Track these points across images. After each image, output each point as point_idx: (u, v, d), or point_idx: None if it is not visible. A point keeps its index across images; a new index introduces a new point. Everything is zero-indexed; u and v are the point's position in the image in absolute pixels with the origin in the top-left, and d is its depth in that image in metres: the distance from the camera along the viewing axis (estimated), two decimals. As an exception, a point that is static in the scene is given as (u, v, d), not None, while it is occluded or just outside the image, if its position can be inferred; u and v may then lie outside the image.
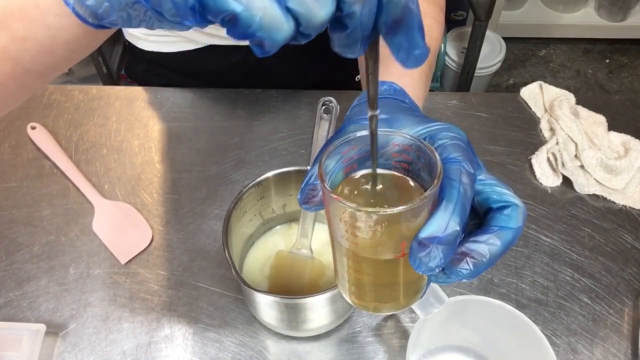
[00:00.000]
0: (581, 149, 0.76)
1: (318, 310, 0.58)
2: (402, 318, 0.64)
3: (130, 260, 0.68)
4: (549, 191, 0.75)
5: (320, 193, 0.38)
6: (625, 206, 0.74)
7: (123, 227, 0.71)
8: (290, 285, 0.62)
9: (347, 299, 0.41)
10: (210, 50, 0.84)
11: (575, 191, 0.75)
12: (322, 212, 0.48)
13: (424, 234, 0.32)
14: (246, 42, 0.27)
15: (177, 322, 0.64)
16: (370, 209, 0.32)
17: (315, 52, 0.89)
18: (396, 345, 0.62)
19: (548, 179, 0.76)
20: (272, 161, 0.77)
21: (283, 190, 0.63)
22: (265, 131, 0.81)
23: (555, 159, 0.76)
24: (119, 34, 0.92)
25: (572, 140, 0.77)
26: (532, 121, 0.84)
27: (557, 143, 0.77)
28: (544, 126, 0.82)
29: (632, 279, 0.67)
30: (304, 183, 0.38)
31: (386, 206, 0.33)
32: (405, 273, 0.36)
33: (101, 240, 0.70)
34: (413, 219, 0.34)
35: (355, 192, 0.38)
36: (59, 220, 0.72)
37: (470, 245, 0.35)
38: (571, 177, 0.75)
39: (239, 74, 0.89)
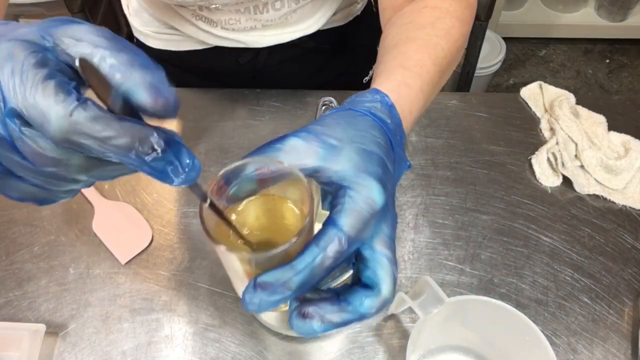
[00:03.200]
0: (581, 149, 0.76)
1: (318, 310, 0.58)
2: (402, 318, 0.64)
3: (130, 260, 0.68)
4: (549, 191, 0.75)
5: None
6: (625, 206, 0.74)
7: (123, 227, 0.71)
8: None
9: None
10: (218, 51, 0.84)
11: (575, 191, 0.75)
12: (320, 211, 0.49)
13: (261, 277, 0.33)
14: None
15: (177, 322, 0.64)
16: (220, 244, 0.35)
17: (323, 54, 0.89)
18: (396, 345, 0.62)
19: (548, 179, 0.76)
20: (272, 161, 0.77)
21: (283, 190, 0.63)
22: (265, 131, 0.81)
23: (555, 159, 0.76)
24: (120, 34, 0.92)
25: (572, 140, 0.77)
26: (532, 121, 0.84)
27: (557, 143, 0.77)
28: (544, 126, 0.82)
29: (632, 279, 0.67)
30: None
31: (243, 245, 0.37)
32: None
33: (101, 240, 0.70)
34: (260, 263, 0.36)
35: (243, 211, 0.40)
36: (59, 220, 0.72)
37: (319, 309, 0.35)
38: (571, 177, 0.75)
39: (247, 75, 0.89)
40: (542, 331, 0.53)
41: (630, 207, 0.74)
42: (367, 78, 0.97)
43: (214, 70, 0.88)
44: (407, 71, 0.48)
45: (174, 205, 0.74)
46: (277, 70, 0.88)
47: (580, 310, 0.65)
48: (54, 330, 0.63)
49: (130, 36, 0.96)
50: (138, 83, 0.27)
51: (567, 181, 0.76)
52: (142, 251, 0.69)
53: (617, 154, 0.77)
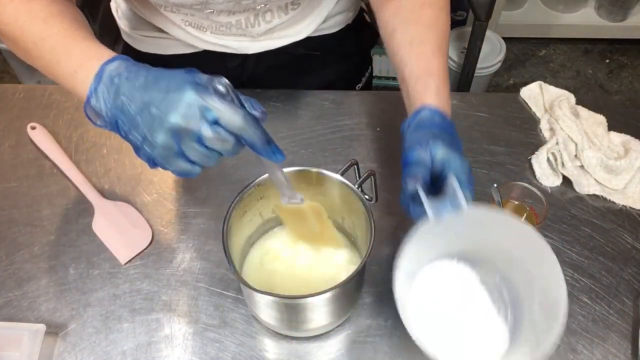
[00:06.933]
0: (581, 149, 0.76)
1: (318, 310, 0.58)
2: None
3: (130, 260, 0.68)
4: (549, 191, 0.75)
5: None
6: (625, 206, 0.74)
7: (123, 227, 0.71)
8: (305, 231, 0.64)
9: None
10: (207, 55, 0.83)
11: (575, 191, 0.75)
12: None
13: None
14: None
15: (177, 322, 0.64)
16: None
17: (313, 61, 0.88)
18: (396, 345, 0.62)
19: (548, 179, 0.76)
20: (272, 161, 0.77)
21: (283, 190, 0.63)
22: (265, 131, 0.81)
23: (555, 159, 0.76)
24: (118, 35, 0.92)
25: (572, 140, 0.77)
26: (532, 121, 0.84)
27: (557, 143, 0.77)
28: (544, 126, 0.82)
29: (632, 279, 0.67)
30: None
31: None
32: None
33: (101, 240, 0.70)
34: None
35: None
36: (59, 220, 0.72)
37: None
38: (571, 177, 0.75)
39: (235, 80, 0.87)
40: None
41: (630, 207, 0.74)
42: (359, 85, 0.96)
43: None
44: (435, 78, 0.60)
45: (174, 205, 0.74)
46: (266, 76, 0.87)
47: (580, 310, 0.65)
48: (54, 330, 0.63)
49: (122, 40, 0.95)
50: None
51: (567, 181, 0.76)
52: (142, 251, 0.69)
53: (617, 154, 0.77)
